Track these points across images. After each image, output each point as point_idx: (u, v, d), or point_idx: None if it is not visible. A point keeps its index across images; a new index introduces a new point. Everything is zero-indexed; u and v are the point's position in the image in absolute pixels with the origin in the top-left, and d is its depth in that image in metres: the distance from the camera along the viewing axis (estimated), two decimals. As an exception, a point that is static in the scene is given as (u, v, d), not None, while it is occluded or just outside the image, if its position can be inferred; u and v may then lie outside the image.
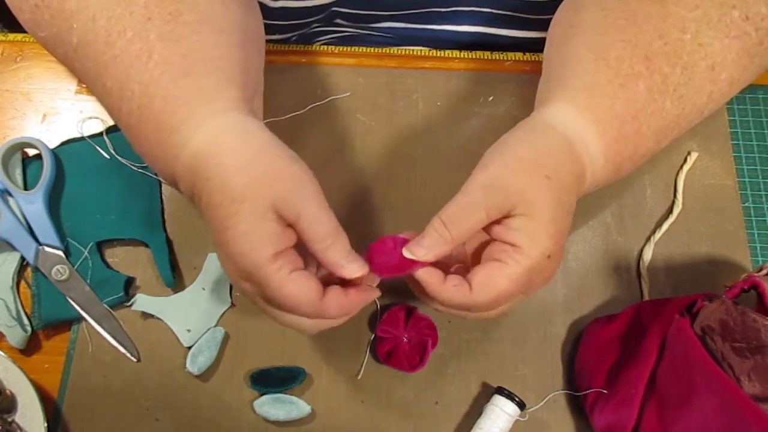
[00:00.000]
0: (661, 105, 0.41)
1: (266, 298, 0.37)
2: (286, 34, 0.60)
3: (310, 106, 0.56)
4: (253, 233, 0.35)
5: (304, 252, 0.38)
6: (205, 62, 0.40)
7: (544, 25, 0.51)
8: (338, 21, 0.60)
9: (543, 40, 0.57)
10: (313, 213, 0.36)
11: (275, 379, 0.47)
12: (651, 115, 0.41)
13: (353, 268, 0.37)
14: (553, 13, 0.50)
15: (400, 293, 0.50)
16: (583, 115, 0.40)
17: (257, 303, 0.39)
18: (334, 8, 0.57)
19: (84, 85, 0.57)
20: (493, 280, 0.36)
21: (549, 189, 0.37)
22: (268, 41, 0.59)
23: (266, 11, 0.51)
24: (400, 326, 0.48)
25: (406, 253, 0.37)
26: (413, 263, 0.37)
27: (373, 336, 0.49)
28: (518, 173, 0.37)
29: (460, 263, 0.42)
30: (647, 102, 0.40)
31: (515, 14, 0.58)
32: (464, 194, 0.38)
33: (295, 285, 0.35)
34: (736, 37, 0.40)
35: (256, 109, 0.43)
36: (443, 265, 0.39)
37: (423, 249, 0.37)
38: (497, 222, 0.37)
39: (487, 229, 0.38)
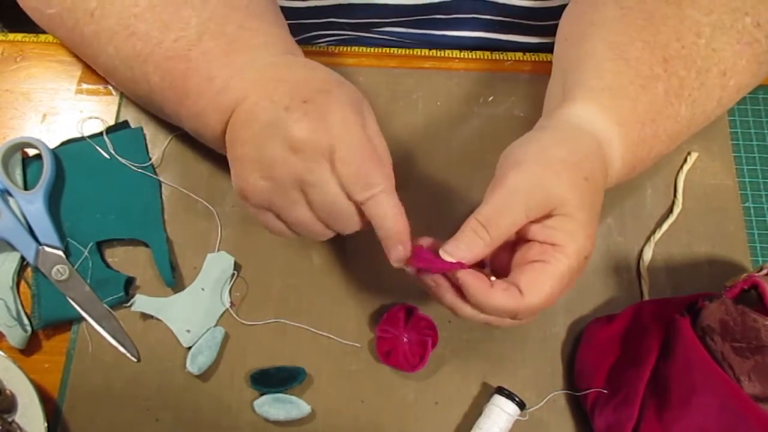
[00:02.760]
0: (677, 109, 0.40)
1: (335, 166, 0.36)
2: None
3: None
4: (354, 104, 0.38)
5: None
6: (247, 8, 0.42)
7: (545, 31, 0.51)
8: (337, 27, 0.60)
9: (545, 46, 0.57)
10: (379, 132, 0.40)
11: (275, 379, 0.47)
12: (667, 119, 0.40)
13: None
14: (555, 20, 0.49)
15: (401, 293, 0.50)
16: (607, 117, 0.40)
17: (278, 194, 0.38)
18: (333, 18, 0.57)
19: (83, 84, 0.57)
20: (541, 280, 0.35)
21: (588, 191, 0.37)
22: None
23: None
24: (400, 326, 0.48)
25: (444, 255, 0.35)
26: (450, 266, 0.35)
27: (373, 336, 0.49)
28: (560, 175, 0.36)
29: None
30: (664, 105, 0.40)
31: (516, 20, 0.58)
32: (502, 194, 0.36)
33: (387, 170, 0.38)
34: (747, 44, 0.40)
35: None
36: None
37: (461, 250, 0.35)
38: (535, 222, 0.36)
39: (522, 231, 0.37)
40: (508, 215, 0.35)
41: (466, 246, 0.35)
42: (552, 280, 0.35)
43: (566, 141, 0.39)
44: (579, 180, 0.36)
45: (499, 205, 0.36)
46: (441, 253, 0.36)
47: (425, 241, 0.38)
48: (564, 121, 0.40)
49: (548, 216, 0.36)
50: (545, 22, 0.57)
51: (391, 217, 0.36)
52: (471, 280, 0.35)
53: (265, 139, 0.36)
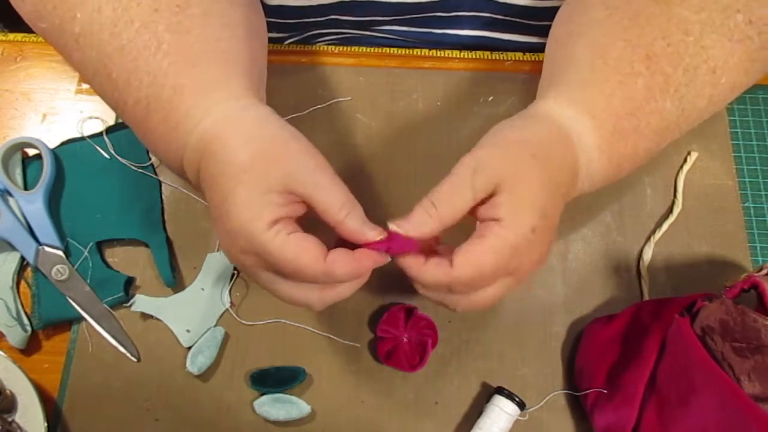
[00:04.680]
0: (661, 105, 0.41)
1: (269, 267, 0.36)
2: (285, 34, 0.60)
3: (310, 109, 0.56)
4: (253, 202, 0.35)
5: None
6: (212, 53, 0.40)
7: (545, 31, 0.51)
8: (339, 25, 0.60)
9: (544, 45, 0.57)
10: (326, 184, 0.36)
11: (275, 379, 0.47)
12: (650, 114, 0.41)
13: (375, 233, 0.37)
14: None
15: (401, 293, 0.50)
16: (575, 108, 0.40)
17: (260, 279, 0.38)
18: (334, 16, 0.57)
19: (83, 84, 0.57)
20: (473, 254, 0.36)
21: (535, 167, 0.37)
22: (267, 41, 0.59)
23: (265, 9, 0.51)
24: (400, 326, 0.48)
25: (392, 226, 0.37)
26: (402, 244, 0.37)
27: (373, 336, 0.49)
28: (505, 153, 0.38)
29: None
30: (646, 100, 0.40)
31: (516, 19, 0.58)
32: (452, 175, 0.38)
33: (296, 244, 0.35)
34: (738, 41, 0.40)
35: (261, 99, 0.44)
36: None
37: (410, 225, 0.37)
38: (483, 203, 0.37)
39: (474, 212, 0.38)
40: (456, 194, 0.37)
41: (414, 221, 0.37)
42: (486, 254, 0.35)
43: (519, 125, 0.40)
44: (525, 157, 0.37)
45: (448, 185, 0.37)
46: (390, 224, 0.37)
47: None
48: (531, 111, 0.41)
49: (494, 194, 0.37)
50: (545, 21, 0.57)
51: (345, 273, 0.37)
52: (406, 258, 0.37)
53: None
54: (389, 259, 0.38)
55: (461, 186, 0.37)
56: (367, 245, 0.37)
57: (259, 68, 0.45)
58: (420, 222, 0.37)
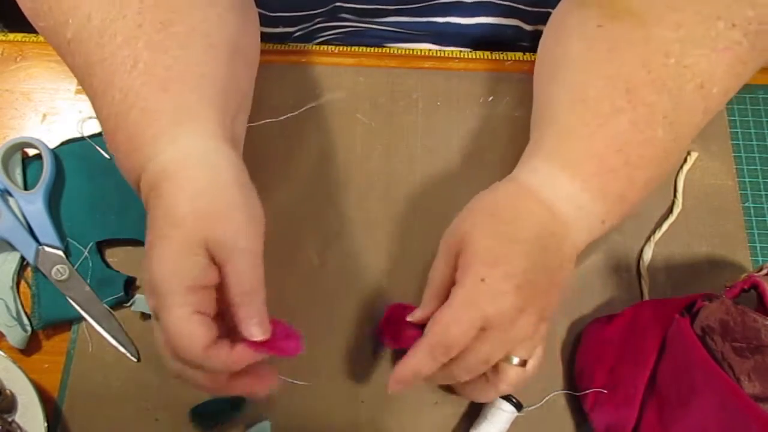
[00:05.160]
0: (651, 135, 0.40)
1: (161, 323, 0.35)
2: (289, 28, 0.60)
3: (306, 107, 0.56)
4: (174, 260, 0.34)
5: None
6: (187, 79, 0.39)
7: (546, 17, 0.50)
8: (342, 15, 0.60)
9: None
10: (242, 265, 0.35)
11: (216, 411, 0.46)
12: (641, 146, 0.40)
13: (256, 330, 0.36)
14: (556, 4, 0.49)
15: (401, 293, 0.50)
16: (550, 162, 0.41)
17: (155, 328, 0.37)
18: (338, 3, 0.57)
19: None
20: (437, 316, 0.38)
21: (491, 223, 0.39)
22: (270, 36, 0.59)
23: (267, 3, 0.51)
24: (402, 321, 0.48)
25: (410, 319, 0.42)
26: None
27: (372, 336, 0.49)
28: (465, 217, 0.41)
29: None
30: (632, 134, 0.40)
31: (519, 6, 0.57)
32: (438, 253, 0.42)
33: (193, 326, 0.34)
34: (724, 49, 0.40)
35: (236, 129, 0.43)
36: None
37: (417, 313, 0.42)
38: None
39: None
40: (435, 270, 0.41)
41: (421, 308, 0.42)
42: (444, 312, 0.38)
43: (483, 194, 0.42)
44: (481, 217, 0.40)
45: (433, 264, 0.42)
46: (409, 319, 0.42)
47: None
48: (503, 180, 0.43)
49: (458, 256, 0.39)
50: (546, 8, 0.57)
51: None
52: (396, 374, 0.40)
53: None
54: (272, 383, 0.39)
55: (437, 261, 0.41)
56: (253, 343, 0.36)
57: (240, 92, 0.44)
58: (425, 305, 0.42)
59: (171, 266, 0.34)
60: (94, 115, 0.55)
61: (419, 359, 0.38)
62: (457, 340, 0.37)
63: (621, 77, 0.40)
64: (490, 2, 0.58)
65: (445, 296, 0.39)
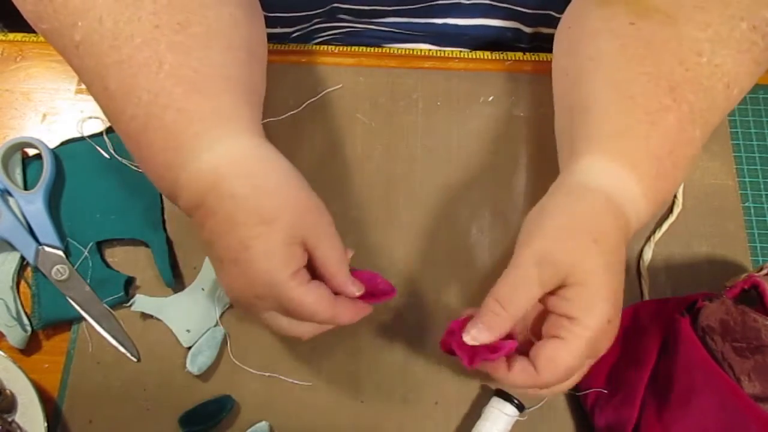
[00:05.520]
0: (691, 134, 0.40)
1: (280, 309, 0.38)
2: (287, 28, 0.60)
3: (306, 102, 0.56)
4: (278, 253, 0.36)
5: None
6: (216, 80, 0.40)
7: (545, 20, 0.50)
8: (340, 16, 0.60)
9: (545, 36, 0.56)
10: (330, 241, 0.39)
11: (203, 416, 0.47)
12: (685, 146, 0.40)
13: (356, 288, 0.40)
14: (556, 7, 0.49)
15: (401, 293, 0.50)
16: (618, 164, 0.39)
17: (261, 316, 0.40)
18: (336, 4, 0.57)
19: (82, 83, 0.57)
20: (556, 358, 0.36)
21: (598, 253, 0.36)
22: (268, 36, 0.59)
23: (265, 3, 0.51)
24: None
25: (467, 339, 0.38)
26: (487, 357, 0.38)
27: (372, 335, 0.49)
28: (566, 243, 0.37)
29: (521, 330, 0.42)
30: (679, 134, 0.39)
31: (516, 8, 0.57)
32: (515, 269, 0.37)
33: (315, 294, 0.38)
34: (746, 51, 0.40)
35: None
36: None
37: (484, 332, 0.37)
38: (552, 293, 0.37)
39: (542, 300, 0.38)
40: (523, 291, 0.37)
41: (487, 327, 0.37)
42: (568, 356, 0.36)
43: (568, 206, 0.39)
44: (587, 244, 0.36)
45: (513, 283, 0.37)
46: (465, 337, 0.38)
47: (467, 312, 0.41)
48: (573, 183, 0.40)
49: (563, 285, 0.36)
50: (545, 10, 0.57)
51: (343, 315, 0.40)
52: (492, 364, 0.38)
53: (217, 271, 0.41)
54: (371, 310, 0.42)
55: (527, 281, 0.37)
56: (456, 350, 0.39)
57: (259, 95, 0.45)
58: (493, 326, 0.37)
59: (278, 259, 0.36)
60: (94, 115, 0.56)
61: (521, 384, 0.37)
62: (564, 379, 0.37)
63: (662, 75, 0.39)
64: (488, 5, 0.58)
65: (521, 314, 0.37)
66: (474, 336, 0.37)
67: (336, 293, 0.39)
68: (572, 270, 0.36)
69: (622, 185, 0.39)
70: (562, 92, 0.47)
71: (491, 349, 0.37)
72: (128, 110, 0.40)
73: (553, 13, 0.56)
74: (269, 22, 0.57)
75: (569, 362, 0.36)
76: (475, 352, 0.38)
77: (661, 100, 0.39)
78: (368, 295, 0.41)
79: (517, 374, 0.37)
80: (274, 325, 0.40)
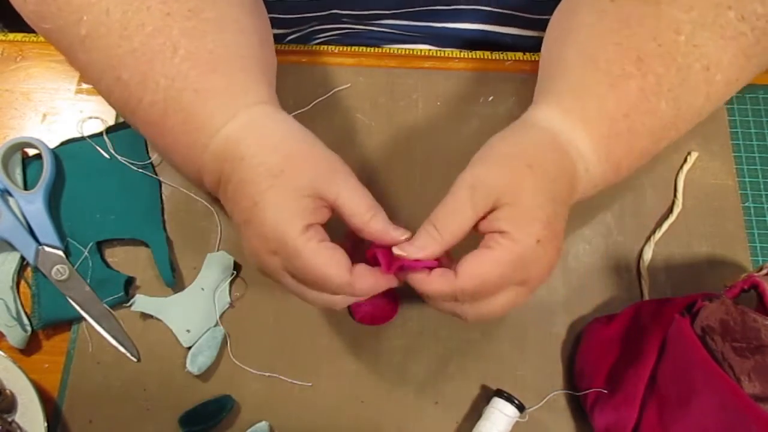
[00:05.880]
0: (655, 105, 0.41)
1: (296, 271, 0.37)
2: (285, 29, 0.60)
3: (313, 103, 0.56)
4: (287, 205, 0.36)
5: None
6: (232, 60, 0.41)
7: (544, 25, 0.51)
8: (339, 19, 0.60)
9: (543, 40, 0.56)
10: (353, 189, 0.38)
11: (203, 416, 0.47)
12: (645, 115, 0.41)
13: (399, 232, 0.38)
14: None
15: (402, 294, 0.50)
16: (568, 115, 0.41)
17: (282, 280, 0.39)
18: (335, 10, 0.57)
19: (83, 84, 0.57)
20: (478, 265, 0.36)
21: (532, 176, 0.37)
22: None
23: (265, 4, 0.51)
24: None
25: (396, 251, 0.38)
26: (408, 265, 0.38)
27: (371, 335, 0.49)
28: (500, 167, 0.38)
29: None
30: (640, 101, 0.40)
31: (517, 13, 0.58)
32: (451, 195, 0.38)
33: (327, 254, 0.36)
34: (731, 38, 0.40)
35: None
36: None
37: (413, 248, 0.37)
38: (485, 217, 0.38)
39: (476, 227, 0.38)
40: (457, 214, 0.37)
41: (419, 245, 0.37)
42: (491, 265, 0.36)
43: (511, 136, 0.41)
44: (520, 168, 0.38)
45: (448, 207, 0.38)
46: (394, 249, 0.38)
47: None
48: (523, 122, 0.42)
49: (495, 208, 0.37)
50: (546, 15, 0.57)
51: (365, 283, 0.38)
52: (409, 275, 0.38)
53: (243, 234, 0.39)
54: (399, 283, 0.40)
55: (461, 205, 0.37)
56: (378, 254, 0.38)
57: (272, 74, 0.46)
58: (423, 245, 0.37)
59: (288, 211, 0.36)
60: (94, 115, 0.56)
61: (438, 290, 0.37)
62: (489, 293, 0.37)
63: (632, 46, 0.40)
64: (485, 10, 0.58)
65: (456, 239, 0.37)
66: (405, 250, 0.37)
67: (379, 249, 0.38)
68: (504, 191, 0.37)
69: (570, 134, 0.40)
70: (541, 62, 0.48)
71: (413, 262, 0.38)
72: (146, 97, 0.40)
73: None
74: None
75: (491, 271, 0.36)
76: (397, 260, 0.38)
77: (624, 67, 0.40)
78: (397, 267, 0.38)
79: (434, 278, 0.37)
80: (301, 293, 0.39)
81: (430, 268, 0.38)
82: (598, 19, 0.43)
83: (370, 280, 0.38)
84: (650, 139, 0.42)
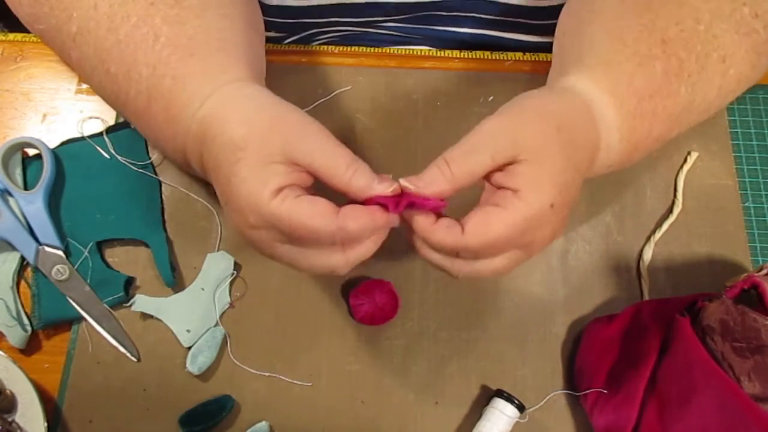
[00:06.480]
0: (676, 89, 0.40)
1: (284, 237, 0.36)
2: (284, 33, 0.60)
3: (314, 104, 0.56)
4: (255, 175, 0.35)
5: None
6: (211, 42, 0.41)
7: (544, 29, 0.51)
8: (338, 25, 0.60)
9: (544, 45, 0.57)
10: (328, 149, 0.35)
11: (203, 416, 0.47)
12: (666, 98, 0.40)
13: (385, 185, 0.35)
14: (554, 19, 0.49)
15: (403, 293, 0.50)
16: (600, 87, 0.40)
17: (277, 253, 0.37)
18: (334, 18, 0.57)
19: (83, 84, 0.57)
20: (487, 223, 0.34)
21: (558, 140, 0.36)
22: (266, 40, 0.59)
23: (263, 9, 0.51)
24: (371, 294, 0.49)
25: (403, 182, 0.35)
26: (412, 201, 0.35)
27: (371, 335, 0.49)
28: (529, 121, 0.36)
29: None
30: (663, 84, 0.40)
31: (516, 19, 0.58)
32: (471, 136, 0.36)
33: (306, 206, 0.34)
34: (745, 34, 0.41)
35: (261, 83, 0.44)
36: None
37: (422, 182, 0.35)
38: (500, 170, 0.36)
39: (488, 177, 0.36)
40: (474, 156, 0.35)
41: (427, 179, 0.35)
42: (500, 225, 0.34)
43: (544, 95, 0.39)
44: (549, 129, 0.36)
45: (466, 146, 0.35)
46: (401, 182, 0.35)
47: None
48: (555, 86, 0.41)
49: (514, 162, 0.35)
50: (545, 21, 0.57)
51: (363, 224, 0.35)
52: (416, 215, 0.36)
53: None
54: (398, 221, 0.37)
55: (481, 148, 0.35)
56: (379, 200, 0.35)
57: (258, 57, 0.45)
58: (433, 180, 0.35)
59: (256, 180, 0.34)
60: (94, 115, 0.56)
61: (441, 241, 0.35)
62: (491, 254, 0.35)
63: (657, 28, 0.40)
64: (486, 17, 0.58)
65: (467, 182, 0.35)
66: (411, 181, 0.35)
67: (365, 203, 0.35)
68: (527, 147, 0.35)
69: (601, 106, 0.39)
70: (558, 50, 0.47)
71: (422, 199, 0.35)
72: (132, 88, 0.40)
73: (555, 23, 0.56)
74: (267, 26, 0.57)
75: (499, 230, 0.34)
76: (403, 198, 0.35)
77: (651, 48, 0.40)
78: (405, 205, 0.35)
79: (440, 229, 0.35)
80: (295, 261, 0.37)
81: (437, 215, 0.36)
82: (621, 2, 0.43)
83: (363, 218, 0.34)
84: (666, 125, 0.42)
